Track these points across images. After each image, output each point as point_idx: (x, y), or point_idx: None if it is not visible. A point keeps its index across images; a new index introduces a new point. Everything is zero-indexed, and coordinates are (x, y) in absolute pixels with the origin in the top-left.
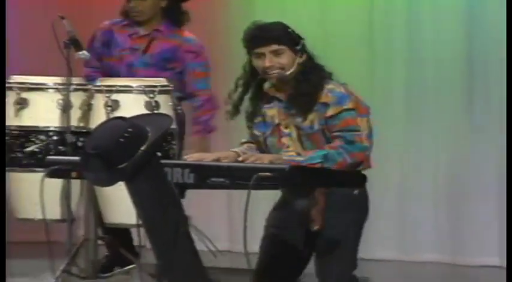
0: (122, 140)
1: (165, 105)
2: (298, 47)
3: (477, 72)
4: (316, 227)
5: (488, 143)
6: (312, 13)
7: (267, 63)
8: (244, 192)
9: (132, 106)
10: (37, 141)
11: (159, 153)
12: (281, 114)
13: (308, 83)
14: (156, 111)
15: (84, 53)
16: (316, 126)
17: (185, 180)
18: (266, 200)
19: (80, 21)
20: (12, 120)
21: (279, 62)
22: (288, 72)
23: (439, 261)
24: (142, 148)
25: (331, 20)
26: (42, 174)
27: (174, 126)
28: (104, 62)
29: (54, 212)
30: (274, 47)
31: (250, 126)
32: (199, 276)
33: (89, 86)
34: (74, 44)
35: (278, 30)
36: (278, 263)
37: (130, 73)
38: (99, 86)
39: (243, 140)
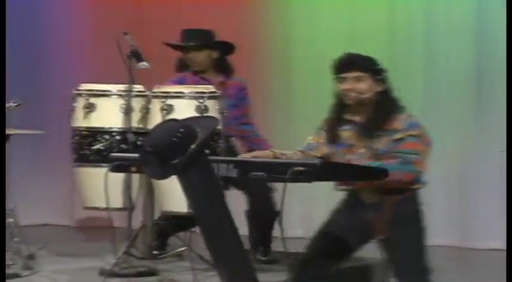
0: (175, 139)
1: (213, 108)
2: (378, 77)
3: (484, 77)
4: (381, 237)
5: (493, 141)
6: (342, 24)
7: (348, 86)
8: (281, 184)
9: (184, 110)
10: (102, 140)
11: (207, 151)
12: (355, 137)
13: (383, 112)
14: (205, 114)
15: (144, 64)
16: (385, 149)
17: (229, 174)
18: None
19: (139, 36)
20: (81, 122)
21: (358, 87)
22: (364, 97)
23: (448, 245)
24: (193, 146)
25: (358, 33)
26: (106, 168)
27: (220, 127)
28: None
29: (116, 201)
30: (357, 73)
31: (321, 142)
32: (240, 256)
33: (147, 93)
34: (136, 56)
35: (363, 59)
36: (327, 254)
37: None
38: (155, 92)
39: (299, 148)
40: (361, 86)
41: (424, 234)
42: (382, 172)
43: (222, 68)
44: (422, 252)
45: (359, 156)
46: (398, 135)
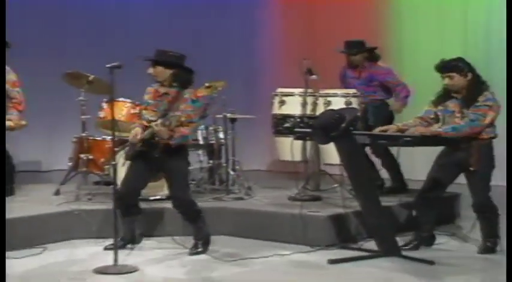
0: (332, 121)
1: (355, 103)
2: (463, 72)
3: None
4: (473, 168)
5: None
6: (455, 39)
7: (446, 82)
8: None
9: (338, 103)
10: (289, 122)
11: (351, 128)
12: (456, 106)
13: (471, 91)
14: (350, 106)
15: (314, 77)
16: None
17: (365, 142)
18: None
19: (312, 57)
20: (277, 110)
21: (451, 82)
22: (457, 86)
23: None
24: (343, 125)
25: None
26: (292, 138)
27: (358, 114)
28: (347, 81)
29: (297, 156)
30: (448, 74)
31: (435, 110)
32: (371, 190)
33: (316, 94)
34: (310, 72)
35: (450, 62)
36: (437, 183)
37: (355, 87)
38: (321, 93)
39: (418, 115)
40: (453, 81)
41: (492, 170)
42: (460, 141)
43: (372, 58)
44: (489, 183)
45: (458, 118)
46: (477, 104)
